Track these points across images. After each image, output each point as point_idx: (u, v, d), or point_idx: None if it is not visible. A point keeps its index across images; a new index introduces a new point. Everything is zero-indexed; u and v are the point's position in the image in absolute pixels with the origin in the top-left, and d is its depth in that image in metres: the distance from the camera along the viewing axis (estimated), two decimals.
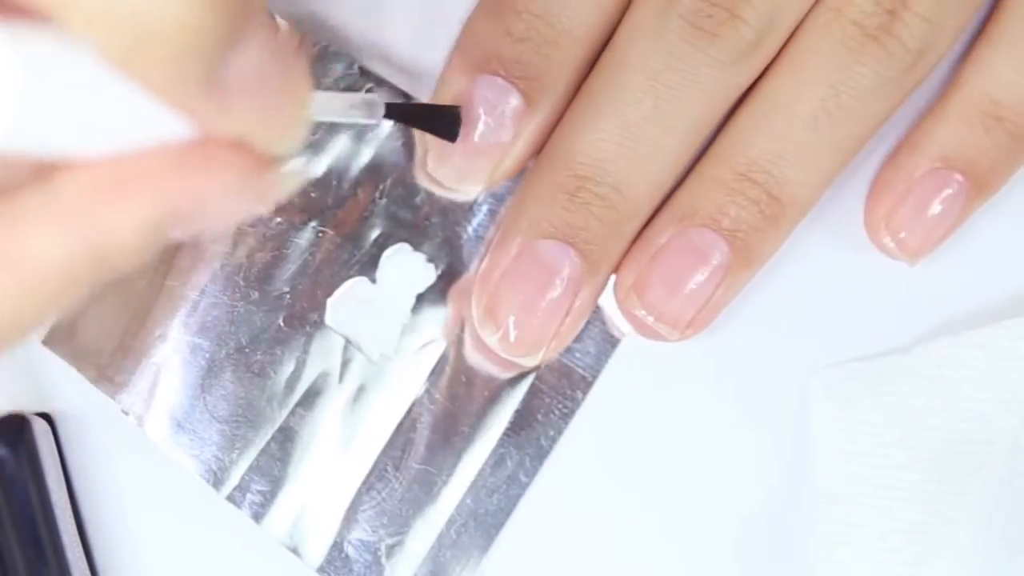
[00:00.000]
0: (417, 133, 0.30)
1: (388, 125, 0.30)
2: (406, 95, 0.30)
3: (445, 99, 0.29)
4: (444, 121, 0.28)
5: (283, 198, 0.20)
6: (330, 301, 0.31)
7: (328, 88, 0.30)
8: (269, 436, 0.30)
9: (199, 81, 0.17)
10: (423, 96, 0.30)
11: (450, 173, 0.29)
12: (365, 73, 0.31)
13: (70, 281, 0.18)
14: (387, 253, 0.30)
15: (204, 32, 0.17)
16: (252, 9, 0.18)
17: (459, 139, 0.28)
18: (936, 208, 0.29)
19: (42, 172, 0.18)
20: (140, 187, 0.18)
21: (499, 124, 0.28)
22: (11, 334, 0.19)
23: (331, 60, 0.30)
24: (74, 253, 0.18)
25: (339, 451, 0.30)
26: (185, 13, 0.16)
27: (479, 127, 0.28)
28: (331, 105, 0.26)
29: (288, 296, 0.31)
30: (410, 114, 0.28)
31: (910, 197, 0.29)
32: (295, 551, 0.30)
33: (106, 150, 0.18)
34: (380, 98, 0.27)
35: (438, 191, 0.30)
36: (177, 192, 0.19)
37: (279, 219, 0.30)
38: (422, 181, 0.30)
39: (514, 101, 0.28)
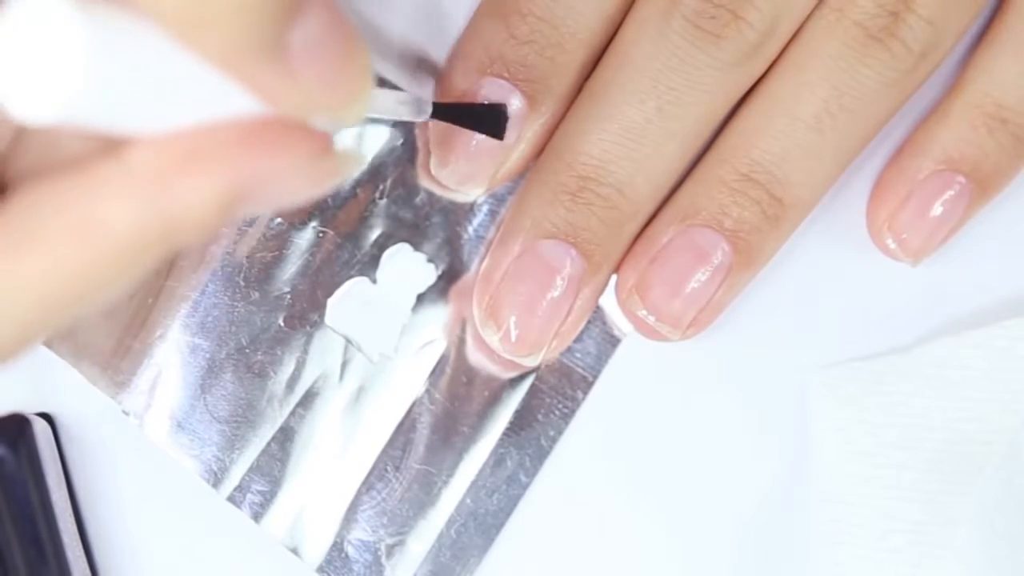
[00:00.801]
0: (419, 134, 0.30)
1: (391, 125, 0.30)
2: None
3: (447, 100, 0.29)
4: (490, 120, 0.28)
5: (345, 179, 0.20)
6: (330, 301, 0.31)
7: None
8: (269, 436, 0.30)
9: (263, 49, 0.18)
10: (424, 95, 0.30)
11: (452, 175, 0.29)
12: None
13: (140, 251, 0.18)
14: (387, 253, 0.30)
15: (266, 4, 0.17)
16: None
17: (461, 141, 0.28)
18: (939, 210, 0.29)
19: (113, 144, 0.18)
20: (209, 162, 0.18)
21: None
22: (81, 303, 0.19)
23: None
24: (145, 224, 0.18)
25: (339, 451, 0.30)
26: None
27: None
28: (381, 101, 0.26)
29: (288, 296, 0.31)
30: (457, 113, 0.28)
31: (913, 199, 0.29)
32: (295, 551, 0.30)
33: (174, 126, 0.18)
34: (427, 96, 0.26)
35: (440, 192, 0.30)
36: (245, 168, 0.19)
37: (279, 219, 0.30)
38: (424, 182, 0.30)
39: (517, 103, 0.28)
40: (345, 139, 0.30)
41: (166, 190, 0.18)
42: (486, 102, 0.28)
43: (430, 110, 0.27)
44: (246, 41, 0.17)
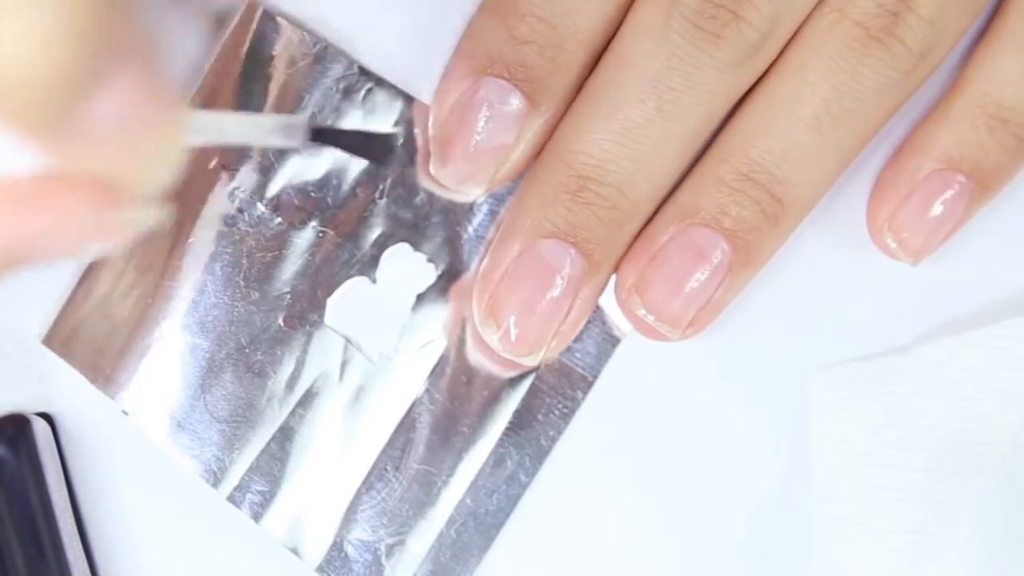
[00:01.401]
0: (419, 134, 0.30)
1: (391, 125, 0.30)
2: (406, 95, 0.30)
3: (447, 101, 0.29)
4: (375, 146, 0.29)
5: (134, 235, 0.20)
6: (330, 301, 0.31)
7: (328, 89, 0.30)
8: (269, 436, 0.30)
9: (58, 126, 0.17)
10: (424, 95, 0.30)
11: (452, 175, 0.29)
12: (365, 73, 0.30)
13: None
14: (387, 253, 0.30)
15: (59, 79, 0.17)
16: (118, 50, 0.18)
17: (461, 141, 0.28)
18: (939, 209, 0.29)
19: None
20: None
21: (502, 126, 0.28)
22: None
23: (331, 60, 0.30)
24: None
25: (339, 451, 0.30)
26: (41, 60, 0.16)
27: (482, 129, 0.28)
28: (244, 127, 0.26)
29: (288, 296, 0.31)
30: (339, 139, 0.28)
31: (913, 198, 0.29)
32: (295, 551, 0.30)
33: None
34: (302, 122, 0.26)
35: (439, 192, 0.30)
36: (25, 225, 0.18)
37: (279, 219, 0.30)
38: (424, 182, 0.30)
39: (517, 103, 0.28)
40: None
41: None
42: (375, 131, 0.29)
43: (302, 136, 0.26)
44: (38, 112, 0.17)
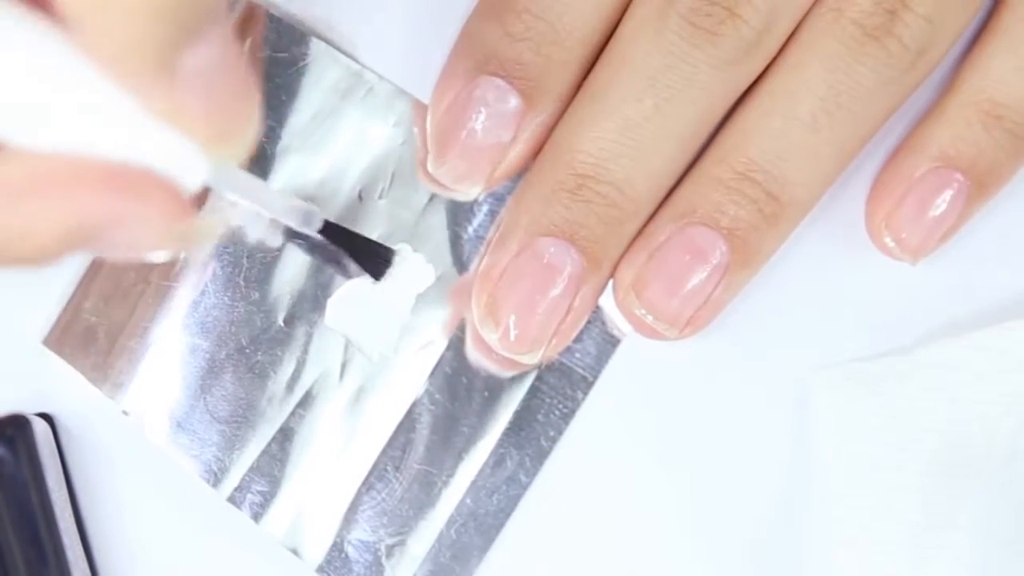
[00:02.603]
0: (419, 132, 0.30)
1: (391, 125, 0.30)
2: (406, 95, 0.30)
3: (444, 100, 0.29)
4: (374, 257, 0.30)
5: (196, 247, 0.21)
6: (330, 301, 0.31)
7: (327, 90, 0.30)
8: (269, 436, 0.30)
9: (153, 61, 0.18)
10: (424, 94, 0.30)
11: (449, 172, 0.29)
12: (364, 73, 0.31)
13: None
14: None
15: (161, 22, 0.17)
16: (214, 9, 0.18)
17: (459, 140, 0.29)
18: (937, 208, 0.29)
19: None
20: (64, 190, 0.19)
21: (499, 124, 0.28)
22: None
23: (331, 61, 0.31)
24: None
25: (339, 451, 0.30)
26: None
27: (479, 127, 0.28)
28: (271, 201, 0.26)
29: (288, 296, 0.31)
30: (345, 238, 0.29)
31: (910, 197, 0.29)
32: (295, 551, 0.30)
33: (44, 146, 0.19)
34: (319, 215, 0.28)
35: (438, 190, 0.30)
36: (96, 207, 0.19)
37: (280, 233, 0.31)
38: (422, 180, 0.30)
39: (514, 101, 0.28)
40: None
41: (15, 204, 0.18)
42: (380, 244, 0.30)
43: (317, 225, 0.27)
44: (139, 49, 0.18)
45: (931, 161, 0.29)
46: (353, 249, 0.30)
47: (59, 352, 0.31)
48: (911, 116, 0.30)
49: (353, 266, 0.30)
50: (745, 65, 0.28)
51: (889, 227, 0.29)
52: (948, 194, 0.29)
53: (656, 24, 0.27)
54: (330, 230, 0.28)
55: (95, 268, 0.31)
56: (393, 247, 0.30)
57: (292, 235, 0.30)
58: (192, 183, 0.20)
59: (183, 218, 0.20)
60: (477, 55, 0.28)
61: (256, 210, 0.27)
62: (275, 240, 0.30)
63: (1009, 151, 0.28)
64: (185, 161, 0.20)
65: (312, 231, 0.27)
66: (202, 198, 0.30)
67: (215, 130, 0.20)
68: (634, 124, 0.28)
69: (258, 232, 0.30)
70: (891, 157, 0.30)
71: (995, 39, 0.28)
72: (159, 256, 0.21)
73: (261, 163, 0.30)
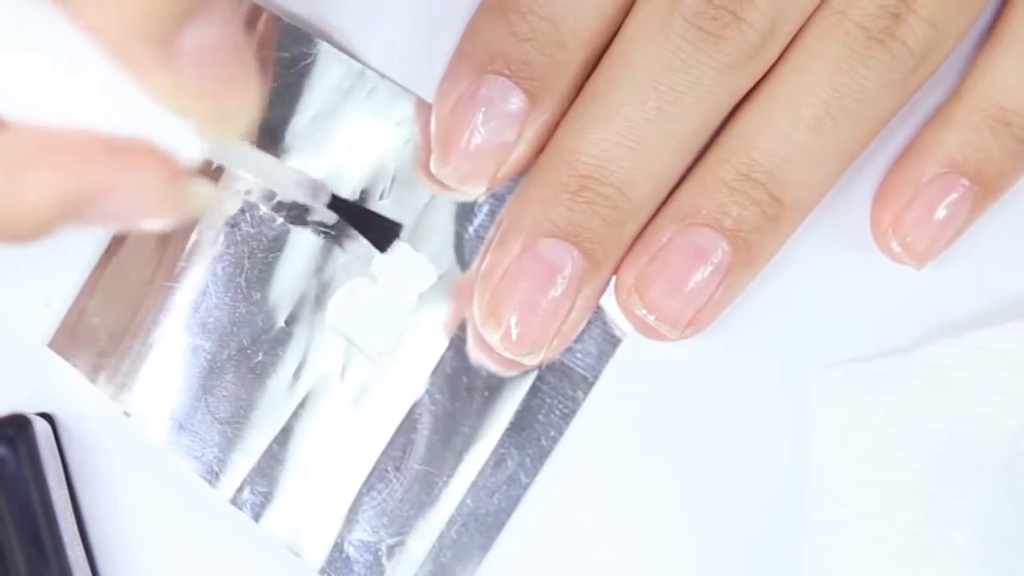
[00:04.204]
0: (421, 133, 0.30)
1: (393, 125, 0.30)
2: (408, 94, 0.30)
3: (449, 99, 0.29)
4: (381, 230, 0.29)
5: (192, 215, 0.21)
6: (331, 302, 0.31)
7: (330, 89, 0.30)
8: (271, 437, 0.30)
9: (153, 35, 0.18)
10: (426, 94, 0.30)
11: (452, 173, 0.29)
12: (367, 72, 0.31)
13: None
14: (388, 252, 0.30)
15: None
16: None
17: (464, 140, 0.28)
18: (943, 213, 0.29)
19: None
20: (62, 161, 0.19)
21: (503, 124, 0.28)
22: None
23: (333, 60, 0.30)
24: None
25: (340, 452, 0.30)
26: None
27: (484, 127, 0.28)
28: (279, 176, 0.26)
29: (289, 297, 0.31)
30: (352, 212, 0.29)
31: (917, 202, 0.29)
32: (296, 552, 0.30)
33: (39, 120, 0.19)
34: (327, 189, 0.27)
35: (440, 191, 0.30)
36: (92, 173, 0.19)
37: (281, 220, 0.30)
38: (424, 181, 0.30)
39: (518, 101, 0.28)
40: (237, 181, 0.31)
41: (13, 176, 0.19)
42: (386, 217, 0.30)
43: (325, 199, 0.27)
44: (137, 26, 0.18)
45: (939, 167, 0.29)
46: (360, 222, 0.29)
47: (63, 354, 0.31)
48: (916, 120, 0.30)
49: (356, 243, 0.30)
50: (749, 68, 0.28)
51: (896, 232, 0.29)
52: (955, 200, 0.29)
53: (660, 26, 0.27)
54: (338, 204, 0.28)
55: (99, 270, 0.31)
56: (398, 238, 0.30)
57: (295, 216, 0.30)
58: (190, 157, 0.20)
59: (177, 182, 0.20)
60: (482, 55, 0.28)
61: (264, 184, 0.27)
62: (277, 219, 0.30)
63: (1016, 157, 0.28)
64: (182, 137, 0.20)
65: (320, 204, 0.27)
66: (216, 175, 0.30)
67: (211, 109, 0.20)
68: (637, 126, 0.28)
69: (263, 207, 0.30)
70: (897, 161, 0.30)
71: (1002, 44, 0.28)
72: (157, 224, 0.21)
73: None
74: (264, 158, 0.25)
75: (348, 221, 0.29)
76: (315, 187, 0.27)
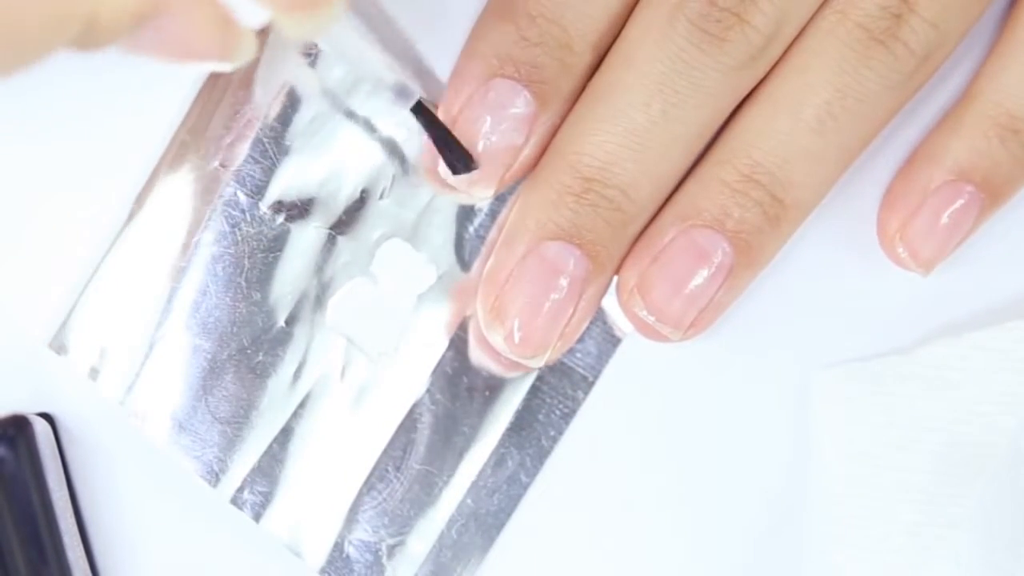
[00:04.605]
0: (425, 139, 0.30)
1: (393, 124, 0.30)
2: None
3: (458, 102, 0.29)
4: (457, 154, 0.28)
5: (241, 59, 0.21)
6: (331, 302, 0.31)
7: (331, 89, 0.30)
8: (271, 437, 0.30)
9: None
10: (428, 95, 0.30)
11: (463, 177, 0.29)
12: (366, 73, 0.30)
13: (48, 29, 0.19)
14: (383, 248, 0.30)
15: None
16: None
17: (475, 144, 0.28)
18: (950, 220, 0.29)
19: None
20: None
21: (513, 127, 0.28)
22: None
23: (334, 60, 0.30)
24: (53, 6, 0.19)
25: (340, 452, 0.30)
26: None
27: (494, 131, 0.28)
28: (375, 65, 0.26)
29: (289, 297, 0.31)
30: (434, 125, 0.28)
31: (925, 209, 0.29)
32: (296, 552, 0.30)
33: None
34: (416, 92, 0.27)
35: (447, 194, 0.30)
36: None
37: (281, 220, 0.30)
38: (431, 184, 0.30)
39: (528, 104, 0.28)
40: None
41: None
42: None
43: (412, 102, 0.27)
44: None
45: (946, 174, 0.29)
46: (441, 139, 0.28)
47: (63, 354, 0.31)
48: (921, 125, 0.30)
49: (356, 242, 0.30)
50: (752, 69, 0.28)
51: (903, 239, 0.29)
52: (962, 207, 0.29)
53: (664, 28, 0.27)
54: (423, 111, 0.27)
55: (99, 269, 0.31)
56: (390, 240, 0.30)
57: (295, 216, 0.30)
58: (251, 21, 0.21)
59: (228, 25, 0.21)
60: (490, 57, 0.28)
61: (354, 74, 0.27)
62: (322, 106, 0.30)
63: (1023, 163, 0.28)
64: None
65: (405, 107, 0.27)
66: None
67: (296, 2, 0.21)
68: (640, 128, 0.28)
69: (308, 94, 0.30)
70: (904, 168, 0.30)
71: (1010, 50, 0.28)
72: (206, 66, 0.21)
73: (264, 163, 0.30)
74: (364, 45, 0.25)
75: (428, 134, 0.28)
76: (402, 89, 0.26)
